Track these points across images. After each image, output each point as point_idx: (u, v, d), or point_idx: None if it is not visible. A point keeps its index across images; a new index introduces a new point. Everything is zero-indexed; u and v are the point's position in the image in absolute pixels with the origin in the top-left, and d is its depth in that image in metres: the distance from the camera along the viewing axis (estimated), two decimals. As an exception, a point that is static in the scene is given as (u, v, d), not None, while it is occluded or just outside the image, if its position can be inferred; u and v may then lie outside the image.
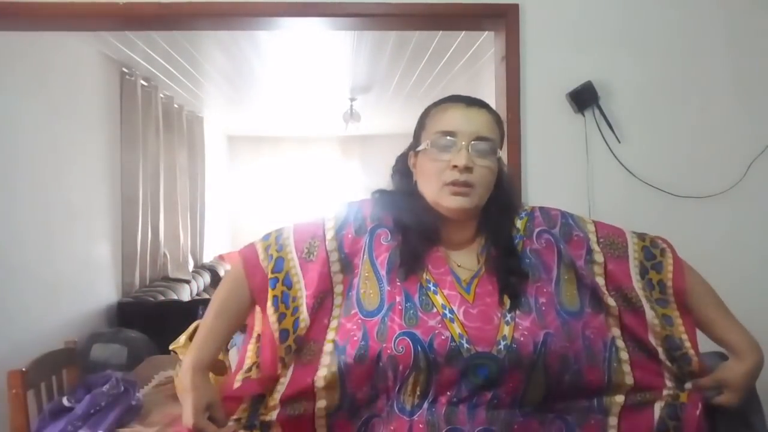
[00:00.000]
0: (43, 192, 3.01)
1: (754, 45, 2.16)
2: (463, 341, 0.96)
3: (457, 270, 1.05)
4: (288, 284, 1.06)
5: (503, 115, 2.14)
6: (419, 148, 1.07)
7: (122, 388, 1.82)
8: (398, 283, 1.02)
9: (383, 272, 1.04)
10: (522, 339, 0.96)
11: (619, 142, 2.13)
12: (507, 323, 0.98)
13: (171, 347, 1.73)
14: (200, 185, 5.87)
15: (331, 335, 1.03)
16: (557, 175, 2.14)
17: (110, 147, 3.84)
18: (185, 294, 4.64)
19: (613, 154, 2.13)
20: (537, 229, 1.09)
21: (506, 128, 2.12)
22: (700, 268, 2.36)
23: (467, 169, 1.00)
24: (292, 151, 7.94)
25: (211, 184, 6.31)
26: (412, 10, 2.08)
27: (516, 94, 2.11)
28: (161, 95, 4.66)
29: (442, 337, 0.95)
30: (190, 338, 1.70)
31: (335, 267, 1.06)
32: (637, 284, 1.06)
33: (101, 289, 3.76)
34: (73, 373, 2.09)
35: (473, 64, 4.02)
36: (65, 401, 1.76)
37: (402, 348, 0.95)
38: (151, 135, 4.37)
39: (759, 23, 2.16)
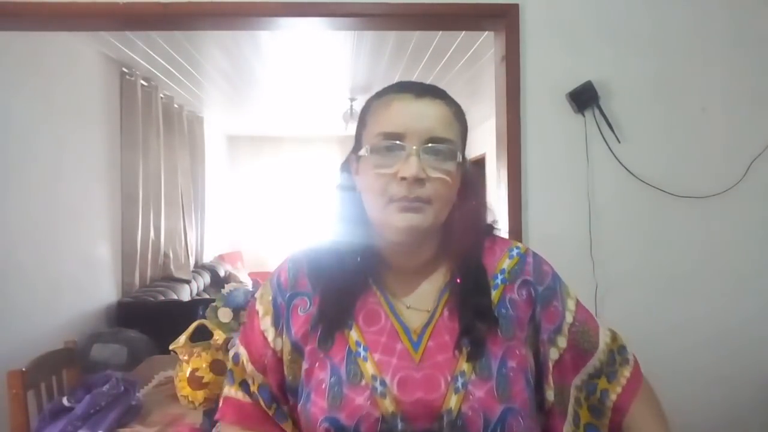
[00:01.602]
0: (43, 192, 3.01)
1: (754, 45, 2.16)
2: (397, 420, 0.77)
3: (406, 315, 0.85)
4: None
5: (503, 115, 2.14)
6: (360, 153, 0.85)
7: (122, 388, 1.82)
8: (321, 356, 0.83)
9: (307, 348, 0.85)
10: (470, 414, 0.77)
11: (619, 142, 2.13)
12: (456, 390, 0.78)
13: (171, 347, 1.72)
14: (200, 185, 5.88)
15: None
16: (557, 175, 2.14)
17: (110, 147, 3.84)
18: (185, 294, 4.64)
19: (613, 154, 2.13)
20: (523, 277, 0.89)
21: (506, 128, 2.14)
22: (700, 267, 2.36)
23: (418, 182, 0.78)
24: (292, 151, 7.95)
25: (211, 184, 6.31)
26: (412, 10, 2.08)
27: (516, 94, 2.11)
28: (161, 95, 4.66)
29: (371, 420, 0.77)
30: (191, 338, 1.70)
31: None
32: (576, 381, 0.89)
33: (101, 289, 3.76)
34: (73, 373, 2.09)
35: (473, 64, 4.02)
36: (65, 401, 1.76)
37: None
38: (151, 135, 4.37)
39: (759, 23, 2.16)
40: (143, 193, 4.15)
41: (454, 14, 2.10)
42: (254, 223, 7.80)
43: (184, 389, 1.71)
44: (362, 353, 0.81)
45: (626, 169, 2.13)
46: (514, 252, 0.92)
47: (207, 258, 6.18)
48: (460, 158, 0.83)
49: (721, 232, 2.17)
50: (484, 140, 6.52)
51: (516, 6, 2.10)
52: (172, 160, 4.91)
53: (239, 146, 7.83)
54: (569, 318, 0.89)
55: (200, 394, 1.69)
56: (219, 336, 1.73)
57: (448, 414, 0.77)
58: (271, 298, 0.90)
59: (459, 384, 0.79)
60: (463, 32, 3.29)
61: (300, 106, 5.79)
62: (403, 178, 0.79)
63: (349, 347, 0.82)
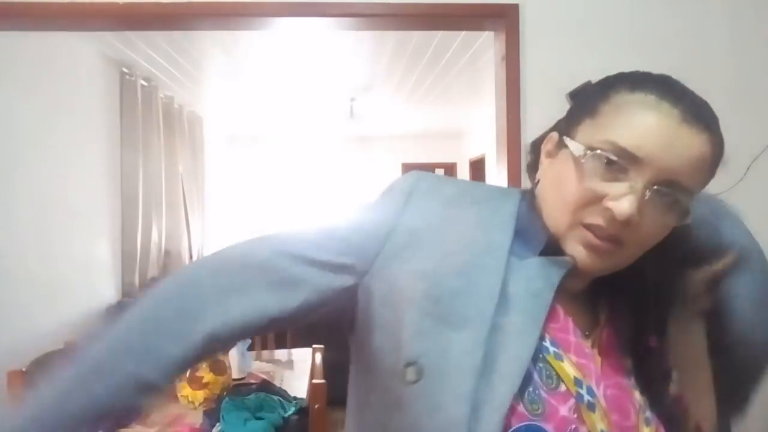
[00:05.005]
0: (43, 192, 3.01)
1: (755, 45, 2.16)
2: None
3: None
4: None
5: (503, 115, 2.14)
6: (569, 144, 0.66)
7: (122, 388, 1.82)
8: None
9: None
10: None
11: (619, 142, 2.13)
12: (647, 422, 0.63)
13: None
14: (200, 185, 5.88)
15: None
16: (557, 175, 2.14)
17: (110, 147, 3.84)
18: (185, 294, 4.64)
19: (613, 154, 2.13)
20: None
21: (506, 128, 2.14)
22: (700, 268, 2.33)
23: (625, 223, 0.61)
24: (292, 151, 7.95)
25: (211, 184, 6.31)
26: (412, 10, 2.08)
27: (516, 94, 2.11)
28: (161, 95, 4.66)
29: None
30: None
31: None
32: None
33: (101, 289, 3.76)
34: (73, 373, 2.09)
35: (473, 64, 4.02)
36: (65, 401, 1.76)
37: None
38: (152, 135, 4.38)
39: (760, 23, 2.16)
40: (143, 193, 4.15)
41: (454, 14, 2.10)
42: (254, 223, 7.79)
43: (184, 389, 1.71)
44: (551, 350, 0.64)
45: (626, 169, 2.13)
46: None
47: (207, 258, 6.17)
48: (689, 218, 0.63)
49: (721, 232, 2.17)
50: (484, 140, 6.53)
51: (516, 6, 2.10)
52: (172, 159, 4.90)
53: (239, 146, 7.83)
54: None
55: (200, 394, 1.69)
56: (219, 336, 1.73)
57: None
58: None
59: (648, 415, 0.63)
60: (463, 32, 3.30)
61: (300, 106, 5.79)
62: (608, 209, 0.61)
63: None
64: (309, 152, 7.96)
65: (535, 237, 0.68)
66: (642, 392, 0.64)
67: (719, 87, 2.15)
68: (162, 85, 4.58)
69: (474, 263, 0.63)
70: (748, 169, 2.13)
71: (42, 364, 1.94)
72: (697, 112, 0.64)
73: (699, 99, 0.67)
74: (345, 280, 0.66)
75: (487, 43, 3.46)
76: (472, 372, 0.57)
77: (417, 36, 3.46)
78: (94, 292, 3.65)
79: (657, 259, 0.66)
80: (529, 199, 0.72)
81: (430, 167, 8.30)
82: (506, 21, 2.09)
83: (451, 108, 5.79)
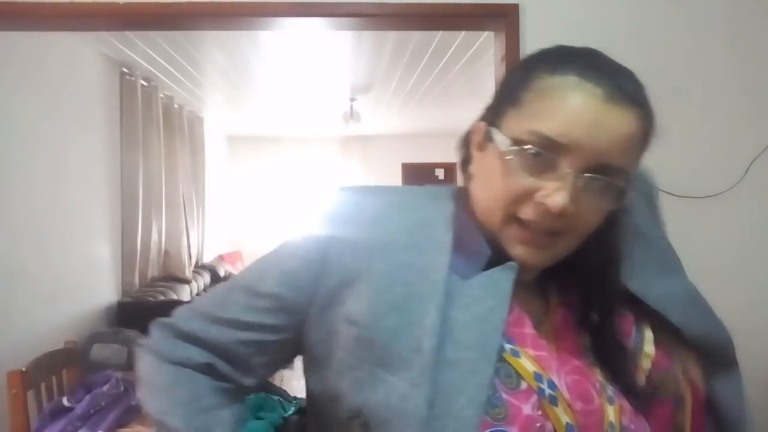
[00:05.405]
0: (43, 192, 3.01)
1: (755, 45, 2.16)
2: None
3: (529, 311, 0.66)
4: None
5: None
6: (496, 136, 0.63)
7: (122, 388, 1.83)
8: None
9: None
10: (633, 428, 0.61)
11: (619, 142, 2.13)
12: (610, 401, 0.61)
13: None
14: (200, 185, 5.88)
15: None
16: (557, 175, 2.14)
17: (110, 147, 3.84)
18: (185, 294, 4.64)
19: (613, 154, 2.13)
20: None
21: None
22: (700, 268, 2.36)
23: (560, 215, 0.59)
24: (292, 151, 7.95)
25: (211, 184, 6.31)
26: (412, 10, 2.08)
27: (516, 94, 2.11)
28: (161, 95, 4.66)
29: None
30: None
31: None
32: None
33: (101, 289, 3.76)
34: (73, 373, 2.09)
35: (473, 64, 4.02)
36: (65, 401, 1.77)
37: None
38: (152, 135, 4.38)
39: (760, 23, 2.16)
40: (143, 193, 4.15)
41: (454, 14, 2.10)
42: (254, 223, 7.80)
43: (184, 389, 1.71)
44: (508, 347, 0.62)
45: (626, 169, 2.13)
46: None
47: (207, 258, 6.18)
48: (626, 198, 0.62)
49: (721, 232, 2.16)
50: (484, 140, 6.51)
51: (516, 6, 2.09)
52: (172, 160, 4.90)
53: (239, 146, 7.83)
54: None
55: (200, 394, 1.69)
56: (219, 336, 1.73)
57: (611, 429, 0.59)
58: None
59: (610, 393, 0.62)
60: (463, 32, 3.30)
61: (300, 106, 5.79)
62: (541, 203, 0.59)
63: None
64: (309, 152, 7.96)
65: (477, 250, 0.64)
66: (601, 368, 0.64)
67: (719, 87, 2.15)
68: (162, 85, 4.58)
69: (408, 293, 0.59)
70: (748, 169, 2.13)
71: (42, 364, 1.94)
72: (621, 87, 0.61)
73: (623, 70, 0.66)
74: (283, 336, 0.65)
75: (487, 44, 3.45)
76: (414, 417, 0.54)
77: (417, 36, 3.46)
78: (94, 292, 3.65)
79: (600, 236, 0.65)
80: (464, 200, 0.68)
81: (430, 167, 8.30)
82: (506, 21, 2.09)
83: (451, 108, 5.79)
